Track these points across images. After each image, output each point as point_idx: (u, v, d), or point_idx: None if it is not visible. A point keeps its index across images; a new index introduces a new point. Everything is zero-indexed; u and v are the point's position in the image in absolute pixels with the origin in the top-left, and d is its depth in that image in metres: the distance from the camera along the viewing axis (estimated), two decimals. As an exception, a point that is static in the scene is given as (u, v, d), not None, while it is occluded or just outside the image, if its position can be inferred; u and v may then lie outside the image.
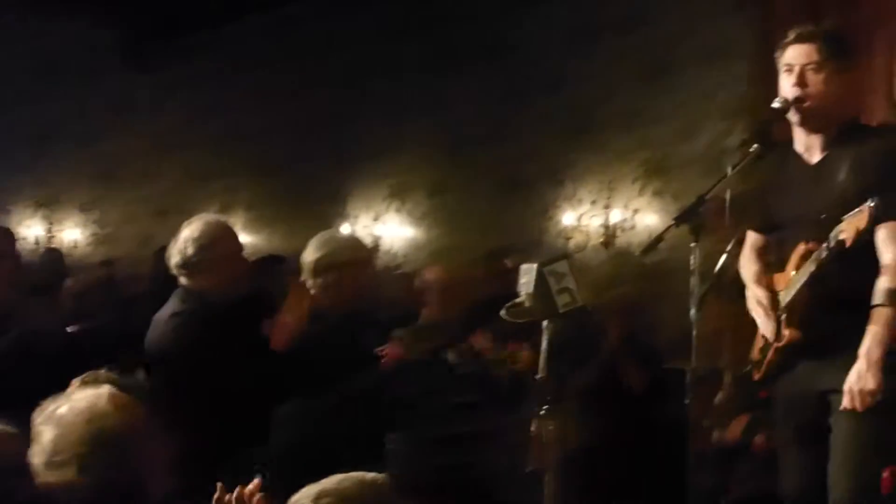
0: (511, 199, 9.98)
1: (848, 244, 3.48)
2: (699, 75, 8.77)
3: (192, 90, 13.28)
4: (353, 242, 4.91)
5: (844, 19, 7.11)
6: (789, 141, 4.01)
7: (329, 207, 11.60)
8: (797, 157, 3.95)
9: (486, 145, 10.27)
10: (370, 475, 2.58)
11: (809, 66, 3.79)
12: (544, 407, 4.00)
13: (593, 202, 9.32)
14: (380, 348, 5.35)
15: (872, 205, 3.39)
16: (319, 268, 4.66)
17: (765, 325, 4.00)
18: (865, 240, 3.51)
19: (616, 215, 9.14)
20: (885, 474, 4.13)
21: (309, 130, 11.98)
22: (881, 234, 3.67)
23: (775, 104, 3.85)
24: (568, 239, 9.39)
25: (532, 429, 4.02)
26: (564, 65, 9.68)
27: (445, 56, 10.64)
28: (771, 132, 3.97)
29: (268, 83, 12.45)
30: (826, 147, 3.86)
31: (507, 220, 9.96)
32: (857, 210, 3.44)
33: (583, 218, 9.35)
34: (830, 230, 3.57)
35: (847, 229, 3.47)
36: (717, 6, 8.67)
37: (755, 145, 3.88)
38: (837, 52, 3.80)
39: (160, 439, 2.79)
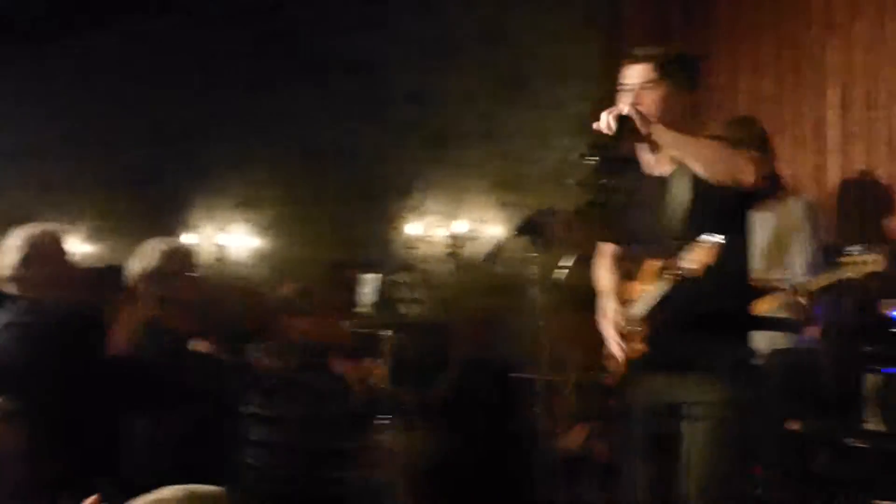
0: (359, 210, 9.95)
1: (697, 274, 3.57)
2: (550, 91, 8.86)
3: (38, 97, 12.97)
4: (177, 250, 4.83)
5: (690, 39, 7.31)
6: (637, 154, 4.10)
7: (174, 217, 11.42)
8: (645, 171, 4.04)
9: (335, 157, 10.24)
10: (205, 487, 2.52)
11: (645, 86, 3.88)
12: (391, 418, 4.01)
13: (441, 213, 9.36)
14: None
15: (722, 241, 3.48)
16: (145, 278, 4.59)
17: (610, 340, 4.07)
18: (720, 266, 3.61)
19: (463, 226, 9.18)
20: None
21: (156, 140, 11.80)
22: None
23: (616, 119, 3.93)
24: (415, 250, 9.40)
25: (381, 440, 4.03)
26: (418, 79, 9.71)
27: (299, 68, 10.59)
28: (611, 146, 4.04)
29: (116, 92, 12.23)
30: (671, 162, 3.94)
31: (355, 231, 9.94)
32: (704, 242, 3.53)
33: (430, 229, 9.37)
34: (681, 247, 3.67)
35: (696, 261, 3.56)
36: (570, 24, 8.79)
37: (594, 158, 3.94)
38: (671, 72, 3.90)
39: (27, 465, 2.68)
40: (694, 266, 3.56)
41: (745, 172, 3.70)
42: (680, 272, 3.66)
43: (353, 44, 10.18)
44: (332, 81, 10.30)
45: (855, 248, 5.11)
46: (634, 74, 3.93)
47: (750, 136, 5.39)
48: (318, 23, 10.49)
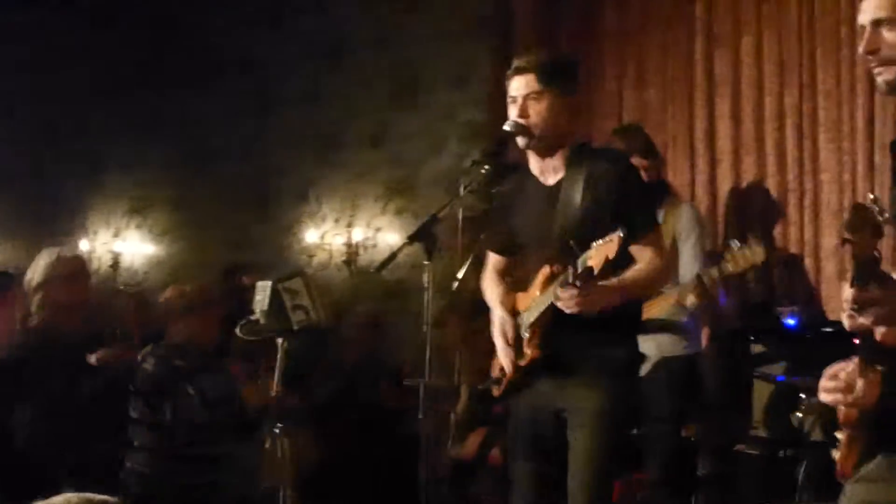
0: (255, 216, 9.88)
1: (596, 272, 3.59)
2: (443, 97, 8.89)
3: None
4: (69, 257, 4.83)
5: (577, 48, 7.39)
6: (526, 162, 4.12)
7: (67, 222, 11.23)
8: (534, 179, 4.06)
9: (231, 161, 10.14)
10: (99, 497, 2.49)
11: (530, 96, 3.91)
12: (279, 424, 3.98)
13: (337, 220, 9.33)
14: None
15: (622, 234, 3.50)
16: (31, 286, 4.60)
17: (503, 354, 4.05)
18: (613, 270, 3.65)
19: (359, 233, 9.17)
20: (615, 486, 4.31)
21: (47, 142, 11.58)
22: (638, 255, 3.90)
23: (506, 127, 3.95)
24: (311, 256, 9.37)
25: (266, 445, 4.00)
26: (312, 83, 9.67)
27: (193, 70, 10.46)
28: (503, 153, 4.07)
29: (4, 90, 11.98)
30: (560, 170, 3.98)
31: (251, 237, 9.86)
32: (607, 239, 3.54)
33: (326, 235, 9.34)
34: (572, 252, 3.66)
35: (596, 256, 3.57)
36: (463, 31, 8.81)
37: (486, 166, 3.96)
38: (554, 80, 3.94)
39: None
40: (592, 263, 3.58)
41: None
42: (573, 273, 3.67)
43: (246, 44, 10.11)
44: (226, 82, 10.21)
45: (734, 243, 5.22)
46: (518, 86, 3.96)
47: (636, 144, 5.46)
48: (212, 23, 10.39)
